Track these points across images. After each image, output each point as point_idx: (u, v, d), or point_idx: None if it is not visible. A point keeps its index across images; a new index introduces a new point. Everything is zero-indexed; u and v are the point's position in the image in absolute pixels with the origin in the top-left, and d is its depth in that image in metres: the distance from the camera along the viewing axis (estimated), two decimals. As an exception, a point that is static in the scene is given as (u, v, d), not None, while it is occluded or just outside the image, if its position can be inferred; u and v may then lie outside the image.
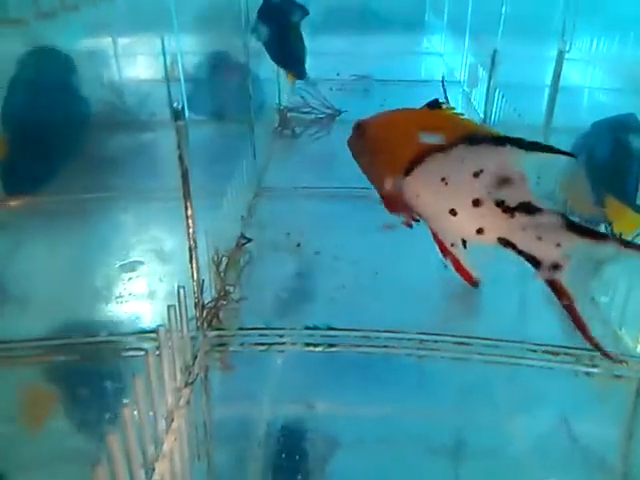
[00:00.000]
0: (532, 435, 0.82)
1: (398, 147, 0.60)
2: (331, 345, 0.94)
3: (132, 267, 1.14)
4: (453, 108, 0.60)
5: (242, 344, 0.94)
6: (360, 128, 0.65)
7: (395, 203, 0.61)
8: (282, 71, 1.88)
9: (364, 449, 0.81)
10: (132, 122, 1.75)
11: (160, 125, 1.67)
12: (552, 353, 0.90)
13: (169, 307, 0.78)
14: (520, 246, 0.55)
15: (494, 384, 0.90)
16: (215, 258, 1.00)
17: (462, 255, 0.61)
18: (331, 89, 2.14)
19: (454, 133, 0.55)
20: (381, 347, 0.93)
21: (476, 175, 0.54)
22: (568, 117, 1.48)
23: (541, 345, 0.91)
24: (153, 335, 0.76)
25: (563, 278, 0.54)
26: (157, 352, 0.74)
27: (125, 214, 1.38)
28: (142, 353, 0.73)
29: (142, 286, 1.10)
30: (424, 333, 0.94)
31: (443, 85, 1.30)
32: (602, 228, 1.02)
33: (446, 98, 1.50)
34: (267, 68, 1.88)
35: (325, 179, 1.50)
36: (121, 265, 1.15)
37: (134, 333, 0.93)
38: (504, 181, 0.53)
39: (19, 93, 1.28)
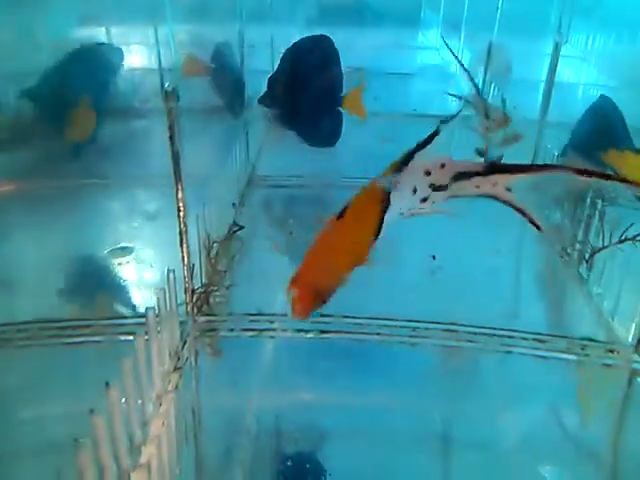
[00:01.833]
0: (522, 424, 0.82)
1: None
2: (322, 332, 0.93)
3: (122, 253, 1.12)
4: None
5: (232, 330, 0.93)
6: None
7: None
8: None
9: (354, 438, 0.81)
10: (125, 109, 1.74)
11: (153, 113, 1.65)
12: (542, 341, 0.90)
13: (157, 289, 0.77)
14: (469, 194, 0.69)
15: (485, 372, 0.90)
16: (206, 243, 0.99)
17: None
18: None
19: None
20: (373, 334, 0.92)
21: (415, 191, 0.70)
22: (562, 112, 1.49)
23: (532, 333, 0.91)
24: (141, 319, 0.75)
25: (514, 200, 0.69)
26: (146, 335, 0.73)
27: (117, 200, 1.37)
28: (130, 338, 0.72)
29: (132, 271, 1.09)
30: (416, 321, 0.93)
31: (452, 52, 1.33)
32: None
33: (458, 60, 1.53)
34: (263, 58, 1.87)
35: (319, 168, 1.49)
36: (111, 250, 1.13)
37: (122, 317, 0.92)
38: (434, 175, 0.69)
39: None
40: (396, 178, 0.68)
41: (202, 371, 0.89)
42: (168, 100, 0.78)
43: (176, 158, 0.81)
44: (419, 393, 0.86)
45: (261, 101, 1.49)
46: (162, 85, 0.80)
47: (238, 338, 0.94)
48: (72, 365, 0.86)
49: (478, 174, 0.67)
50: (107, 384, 0.61)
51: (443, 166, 0.67)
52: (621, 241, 0.95)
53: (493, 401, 0.85)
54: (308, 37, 1.59)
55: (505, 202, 0.68)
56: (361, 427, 0.82)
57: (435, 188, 0.68)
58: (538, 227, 0.68)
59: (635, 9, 2.00)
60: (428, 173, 0.68)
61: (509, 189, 0.67)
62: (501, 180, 0.67)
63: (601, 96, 1.28)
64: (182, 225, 0.86)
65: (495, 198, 0.67)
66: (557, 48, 1.41)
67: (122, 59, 1.78)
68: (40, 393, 0.82)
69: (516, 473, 0.74)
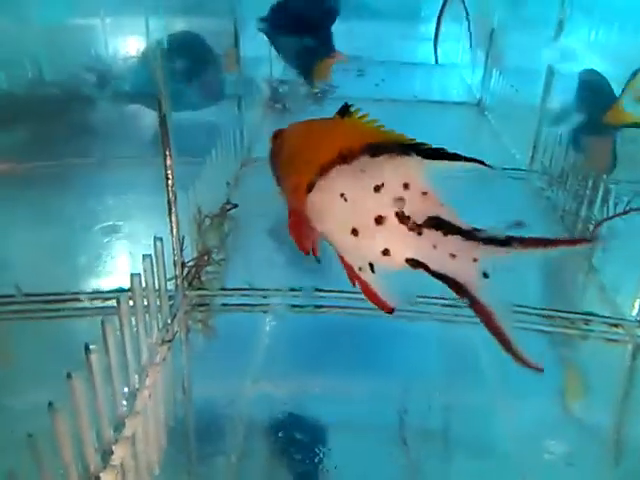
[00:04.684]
0: (524, 402, 0.79)
1: (305, 159, 0.52)
2: (317, 307, 0.90)
3: (112, 230, 1.10)
4: (365, 115, 0.51)
5: (224, 305, 0.90)
6: (277, 137, 0.56)
7: (300, 225, 0.53)
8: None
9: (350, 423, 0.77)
10: (117, 94, 1.72)
11: (144, 97, 1.63)
12: (547, 317, 0.87)
13: (144, 256, 0.74)
14: (432, 267, 0.49)
15: (484, 348, 0.86)
16: (197, 217, 0.96)
17: (372, 280, 0.52)
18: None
19: (358, 142, 0.49)
20: (368, 309, 0.89)
21: (377, 189, 0.48)
22: (565, 99, 1.47)
23: (536, 309, 0.88)
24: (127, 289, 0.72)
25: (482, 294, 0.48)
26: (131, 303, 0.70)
27: (107, 179, 1.34)
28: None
29: (121, 248, 1.06)
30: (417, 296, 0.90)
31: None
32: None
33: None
34: (258, 44, 1.84)
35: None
36: (101, 228, 1.10)
37: (109, 292, 0.89)
38: (409, 196, 0.48)
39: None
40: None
41: (194, 347, 0.86)
42: (154, 57, 0.75)
43: (164, 122, 0.78)
44: (417, 370, 0.83)
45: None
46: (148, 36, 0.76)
47: (233, 314, 0.91)
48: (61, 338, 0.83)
49: (459, 232, 0.48)
50: (87, 347, 0.58)
51: (425, 194, 0.48)
52: (625, 212, 0.92)
53: (494, 378, 0.81)
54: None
55: (473, 304, 0.48)
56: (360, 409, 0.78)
57: (402, 216, 0.48)
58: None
59: (635, 3, 2.03)
60: (406, 186, 0.48)
61: (486, 275, 0.48)
62: (484, 256, 0.47)
63: (584, 71, 1.33)
64: (170, 194, 0.83)
65: (464, 294, 0.48)
66: (560, 25, 1.42)
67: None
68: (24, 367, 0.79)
69: (519, 454, 0.71)
